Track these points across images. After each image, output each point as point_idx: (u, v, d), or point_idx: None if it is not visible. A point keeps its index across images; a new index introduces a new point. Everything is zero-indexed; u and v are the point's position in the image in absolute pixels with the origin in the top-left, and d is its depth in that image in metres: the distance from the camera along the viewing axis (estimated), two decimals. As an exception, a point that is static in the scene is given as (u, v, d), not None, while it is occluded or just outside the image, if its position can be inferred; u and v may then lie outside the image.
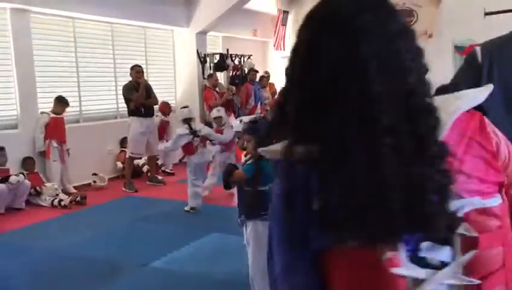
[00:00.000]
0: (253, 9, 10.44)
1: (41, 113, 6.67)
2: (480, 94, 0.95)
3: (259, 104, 9.49)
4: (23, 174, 6.14)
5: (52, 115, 6.66)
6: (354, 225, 0.79)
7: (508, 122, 1.45)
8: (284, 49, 11.67)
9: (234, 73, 9.81)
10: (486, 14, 7.96)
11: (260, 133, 3.00)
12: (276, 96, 11.43)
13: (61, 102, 6.72)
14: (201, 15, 9.09)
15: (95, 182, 7.15)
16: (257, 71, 9.94)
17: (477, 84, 1.59)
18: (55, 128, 6.68)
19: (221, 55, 9.60)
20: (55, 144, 6.66)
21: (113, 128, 7.93)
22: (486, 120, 0.94)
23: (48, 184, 6.37)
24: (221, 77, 9.97)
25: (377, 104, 0.78)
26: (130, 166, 7.35)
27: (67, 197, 6.25)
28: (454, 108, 0.89)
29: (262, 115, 7.54)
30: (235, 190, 3.25)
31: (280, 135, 0.94)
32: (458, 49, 9.75)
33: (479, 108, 0.94)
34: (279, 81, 11.93)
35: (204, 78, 9.11)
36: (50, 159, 6.63)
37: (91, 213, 5.96)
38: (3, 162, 6.09)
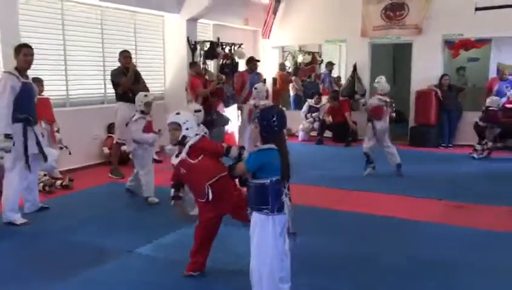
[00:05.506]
0: (245, -3, 10.36)
1: None
2: None
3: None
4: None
5: (37, 96, 6.53)
6: None
7: None
8: (269, 38, 11.61)
9: (224, 61, 9.75)
10: (477, 9, 8.00)
11: (265, 121, 2.83)
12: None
13: (38, 82, 6.52)
14: (193, 1, 8.98)
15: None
16: (259, 60, 9.90)
17: None
18: (42, 109, 6.55)
19: (211, 43, 9.53)
20: (44, 125, 6.56)
21: (100, 114, 7.86)
22: None
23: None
24: (211, 65, 9.90)
25: None
26: (116, 152, 7.30)
27: (52, 181, 6.18)
28: None
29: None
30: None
31: None
32: (448, 43, 9.81)
33: None
34: (268, 70, 11.90)
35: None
36: None
37: (76, 198, 5.92)
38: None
